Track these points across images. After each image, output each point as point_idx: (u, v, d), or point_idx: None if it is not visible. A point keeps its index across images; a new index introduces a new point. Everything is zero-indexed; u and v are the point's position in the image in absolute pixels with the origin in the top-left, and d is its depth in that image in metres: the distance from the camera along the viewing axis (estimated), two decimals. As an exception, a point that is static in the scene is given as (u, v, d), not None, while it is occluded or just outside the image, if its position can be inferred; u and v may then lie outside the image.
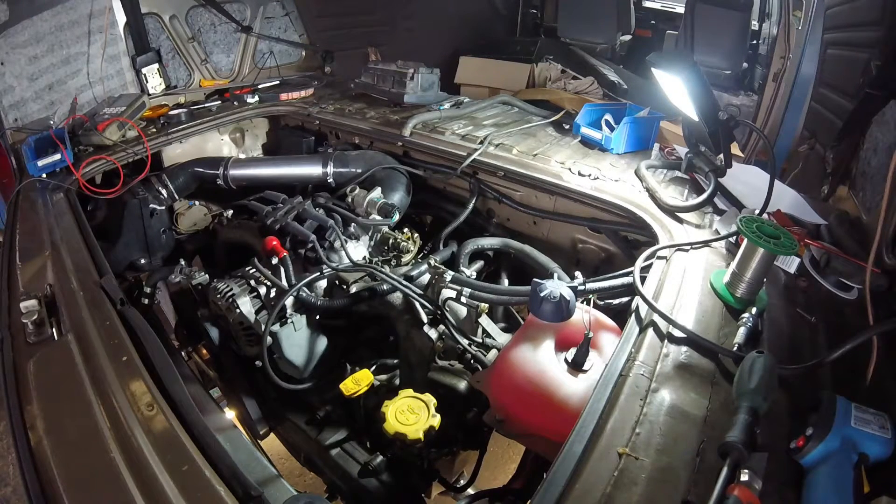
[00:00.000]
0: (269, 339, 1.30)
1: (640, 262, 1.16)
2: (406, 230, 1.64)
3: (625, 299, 1.28)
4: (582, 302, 1.18)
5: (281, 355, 1.39)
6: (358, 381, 1.18)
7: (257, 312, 1.37)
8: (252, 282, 1.39)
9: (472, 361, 1.23)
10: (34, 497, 0.74)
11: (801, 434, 0.75)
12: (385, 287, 1.34)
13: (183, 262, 1.64)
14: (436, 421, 1.06)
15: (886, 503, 0.67)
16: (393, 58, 2.53)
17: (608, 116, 1.93)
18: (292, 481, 1.27)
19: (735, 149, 2.34)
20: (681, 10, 4.39)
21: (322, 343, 1.48)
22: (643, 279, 1.12)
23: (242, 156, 2.47)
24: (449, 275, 1.31)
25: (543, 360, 1.06)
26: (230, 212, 2.16)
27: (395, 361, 1.42)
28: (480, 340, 1.28)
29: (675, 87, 1.40)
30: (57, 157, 1.72)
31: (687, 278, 1.12)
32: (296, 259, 1.47)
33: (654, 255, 1.21)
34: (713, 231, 1.34)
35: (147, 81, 2.36)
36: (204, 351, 1.59)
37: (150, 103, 2.20)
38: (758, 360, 0.79)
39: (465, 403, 1.18)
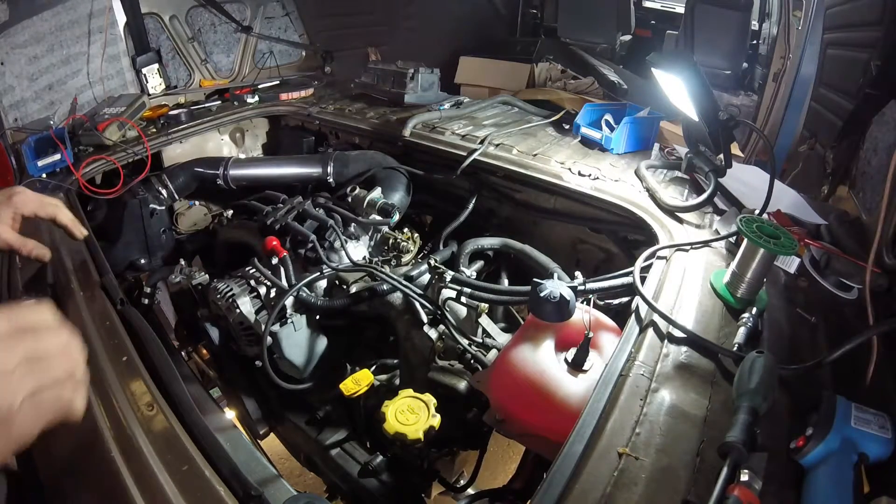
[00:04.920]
0: (269, 339, 1.30)
1: (640, 262, 1.16)
2: (406, 230, 1.64)
3: (625, 299, 1.28)
4: (582, 302, 1.18)
5: (281, 355, 1.39)
6: (358, 381, 1.18)
7: (257, 312, 1.37)
8: (252, 282, 1.39)
9: (472, 361, 1.23)
10: (34, 497, 0.74)
11: (801, 434, 0.75)
12: (385, 287, 1.34)
13: (183, 262, 1.64)
14: (436, 421, 1.05)
15: (886, 503, 0.67)
16: (393, 58, 2.53)
17: (608, 116, 1.93)
18: (292, 481, 1.27)
19: (735, 149, 2.34)
20: (681, 10, 4.39)
21: (322, 343, 1.48)
22: (643, 279, 1.12)
23: (242, 156, 2.48)
24: (449, 275, 1.31)
25: (543, 360, 1.06)
26: (230, 212, 2.17)
27: (395, 361, 1.42)
28: (480, 340, 1.28)
29: (675, 87, 1.40)
30: (57, 157, 1.72)
31: (687, 278, 1.12)
32: (296, 259, 1.47)
33: (654, 255, 1.21)
34: (713, 231, 1.34)
35: (147, 81, 2.36)
36: (204, 351, 1.60)
37: (150, 103, 2.20)
38: (758, 360, 0.79)
39: (465, 403, 1.18)
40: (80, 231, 1.05)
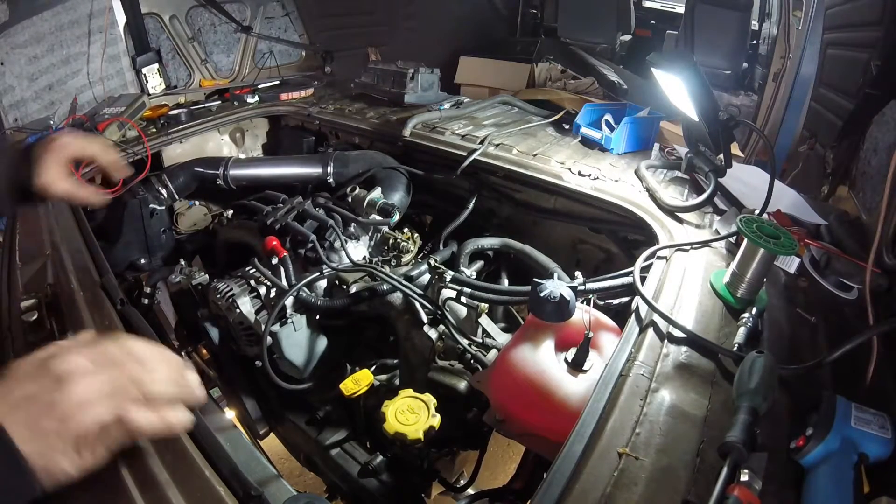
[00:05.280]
0: (269, 339, 1.30)
1: (640, 262, 1.16)
2: (406, 230, 1.64)
3: (625, 299, 1.28)
4: (582, 302, 1.18)
5: (281, 355, 1.39)
6: (358, 381, 1.18)
7: (257, 312, 1.37)
8: (252, 282, 1.39)
9: (472, 361, 1.23)
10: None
11: (801, 434, 0.75)
12: (385, 287, 1.34)
13: (183, 262, 1.64)
14: (436, 421, 1.05)
15: (886, 503, 0.67)
16: (393, 58, 2.53)
17: (608, 116, 1.93)
18: (292, 481, 1.27)
19: (735, 149, 2.34)
20: (681, 10, 4.40)
21: (322, 343, 1.48)
22: (643, 279, 1.12)
23: (242, 156, 2.48)
24: (449, 275, 1.31)
25: (543, 360, 1.06)
26: (230, 212, 2.17)
27: (395, 361, 1.42)
28: (480, 340, 1.28)
29: (675, 87, 1.40)
30: (57, 157, 1.72)
31: (687, 278, 1.12)
32: (296, 259, 1.47)
33: (654, 255, 1.21)
34: (713, 231, 1.34)
35: (147, 81, 2.36)
36: (204, 351, 1.59)
37: (150, 103, 2.20)
38: (758, 360, 0.79)
39: (465, 403, 1.18)
40: (122, 172, 1.08)
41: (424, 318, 1.29)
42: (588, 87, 3.05)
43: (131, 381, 0.61)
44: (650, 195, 1.48)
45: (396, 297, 1.37)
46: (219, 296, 1.36)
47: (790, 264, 1.19)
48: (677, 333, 0.95)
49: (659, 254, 1.22)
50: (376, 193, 1.64)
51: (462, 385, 1.19)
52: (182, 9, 2.45)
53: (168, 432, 0.63)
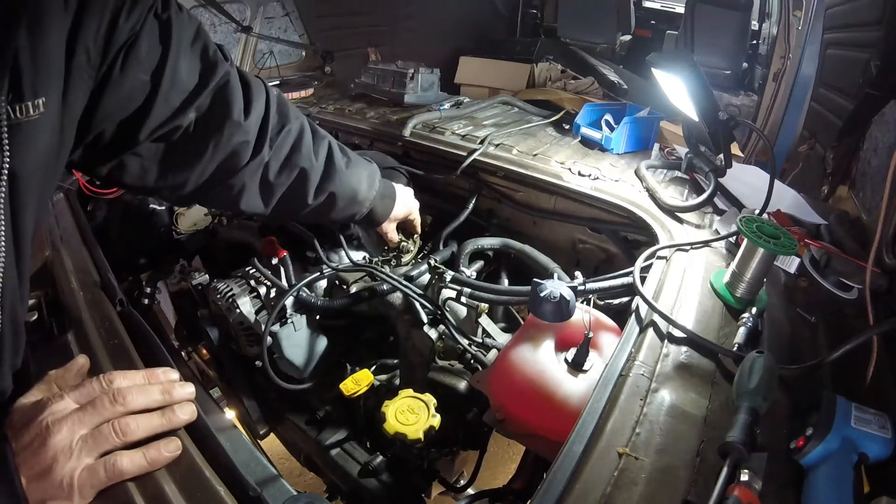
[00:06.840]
0: (269, 339, 1.30)
1: (640, 262, 1.16)
2: (406, 230, 1.64)
3: (625, 299, 1.28)
4: (582, 302, 1.18)
5: (281, 355, 1.39)
6: (358, 381, 1.18)
7: (257, 312, 1.37)
8: (252, 282, 1.39)
9: (472, 361, 1.23)
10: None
11: (801, 434, 0.75)
12: (385, 287, 1.34)
13: (183, 262, 1.64)
14: (436, 421, 1.05)
15: (886, 503, 0.67)
16: (393, 58, 2.53)
17: (608, 116, 1.93)
18: (292, 481, 1.27)
19: (735, 149, 2.34)
20: (681, 10, 4.40)
21: (322, 343, 1.48)
22: (643, 279, 1.12)
23: (242, 156, 2.46)
24: (449, 275, 1.31)
25: (543, 360, 1.06)
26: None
27: (395, 361, 1.42)
28: (480, 340, 1.28)
29: (675, 87, 1.40)
30: (57, 157, 1.71)
31: (687, 278, 1.12)
32: (296, 259, 1.47)
33: (654, 255, 1.21)
34: (713, 231, 1.34)
35: (147, 81, 2.36)
36: (204, 351, 1.59)
37: (150, 103, 2.19)
38: (758, 360, 0.79)
39: (465, 403, 1.18)
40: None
41: (424, 318, 1.29)
42: (588, 87, 3.05)
43: (113, 431, 0.66)
44: (650, 195, 1.48)
45: (396, 297, 1.37)
46: (219, 296, 1.36)
47: (790, 264, 1.19)
48: (677, 333, 0.95)
49: (659, 254, 1.22)
50: (376, 193, 1.64)
51: (462, 385, 1.19)
52: (182, 9, 2.44)
53: (153, 468, 0.68)
